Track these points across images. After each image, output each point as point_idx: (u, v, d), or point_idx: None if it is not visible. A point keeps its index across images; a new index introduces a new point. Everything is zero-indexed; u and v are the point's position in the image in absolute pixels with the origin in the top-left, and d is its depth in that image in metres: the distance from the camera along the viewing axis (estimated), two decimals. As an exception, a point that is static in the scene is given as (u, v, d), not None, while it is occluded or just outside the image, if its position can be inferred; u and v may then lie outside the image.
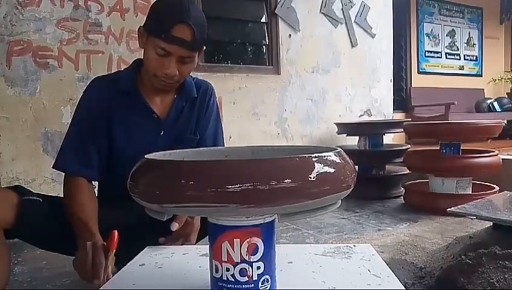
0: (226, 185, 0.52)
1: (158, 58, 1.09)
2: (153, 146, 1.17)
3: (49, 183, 2.38)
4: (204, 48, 1.19)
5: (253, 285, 0.65)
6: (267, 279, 0.66)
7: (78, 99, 1.24)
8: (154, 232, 1.13)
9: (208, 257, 0.68)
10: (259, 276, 0.65)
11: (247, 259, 0.64)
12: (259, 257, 0.64)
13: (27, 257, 1.80)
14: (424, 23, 5.85)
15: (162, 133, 1.24)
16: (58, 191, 2.22)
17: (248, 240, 0.63)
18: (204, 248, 0.94)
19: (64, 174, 1.17)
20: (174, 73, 1.11)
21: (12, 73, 2.32)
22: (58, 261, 1.72)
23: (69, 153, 1.17)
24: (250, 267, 0.64)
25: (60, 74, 2.46)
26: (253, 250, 0.64)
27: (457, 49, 6.23)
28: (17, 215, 1.00)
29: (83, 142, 1.17)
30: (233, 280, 0.64)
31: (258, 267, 0.65)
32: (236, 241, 0.63)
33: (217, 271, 0.65)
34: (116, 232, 0.89)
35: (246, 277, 0.64)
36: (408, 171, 2.80)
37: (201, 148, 1.01)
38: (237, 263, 0.64)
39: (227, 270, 0.64)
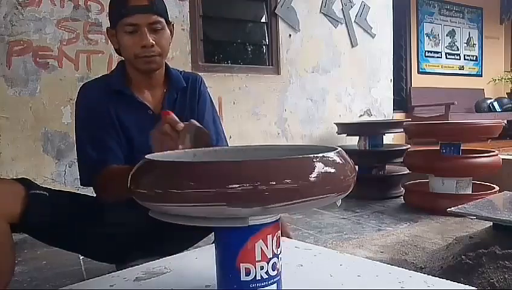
0: (226, 185, 0.52)
1: (130, 37, 1.13)
2: (151, 142, 1.17)
3: (49, 183, 2.38)
4: (173, 23, 1.24)
5: (279, 276, 0.67)
6: (281, 267, 0.69)
7: (75, 110, 1.22)
8: (161, 235, 1.13)
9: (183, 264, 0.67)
10: (281, 266, 0.67)
11: (276, 252, 0.65)
12: (280, 248, 0.67)
13: (27, 257, 1.80)
14: (424, 23, 5.85)
15: None
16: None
17: (276, 233, 0.65)
18: (161, 262, 0.89)
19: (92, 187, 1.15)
20: (149, 43, 1.13)
21: (12, 73, 2.32)
22: (58, 261, 1.72)
23: (88, 158, 1.15)
24: (278, 260, 0.66)
25: (60, 74, 2.46)
26: (278, 242, 0.66)
27: (457, 49, 6.24)
28: (24, 209, 0.98)
29: (97, 140, 1.14)
30: (266, 276, 0.64)
31: (281, 258, 0.67)
32: (269, 237, 0.64)
33: (248, 274, 0.64)
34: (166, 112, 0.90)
35: (276, 270, 0.66)
36: (408, 171, 2.80)
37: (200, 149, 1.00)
38: (270, 259, 0.64)
39: (261, 269, 0.64)
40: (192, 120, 0.88)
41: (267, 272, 0.64)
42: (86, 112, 1.19)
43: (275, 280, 0.66)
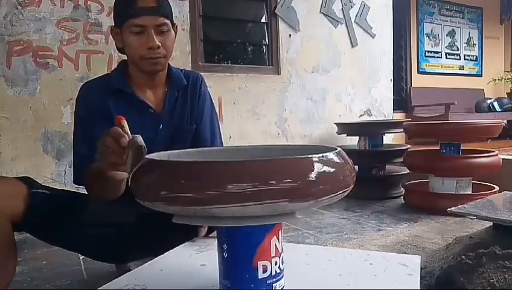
0: (227, 185, 0.52)
1: (136, 38, 1.13)
2: (153, 141, 1.17)
3: (49, 183, 2.38)
4: (176, 25, 1.23)
5: (284, 270, 0.68)
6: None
7: (74, 109, 1.22)
8: (161, 231, 1.13)
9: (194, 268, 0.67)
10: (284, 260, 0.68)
11: (283, 247, 0.67)
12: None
13: (27, 257, 1.80)
14: (424, 23, 5.85)
15: (161, 127, 1.24)
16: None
17: (282, 228, 0.67)
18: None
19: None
20: (156, 44, 1.13)
21: (12, 73, 2.32)
22: (58, 261, 1.72)
23: (78, 156, 1.15)
24: (283, 253, 0.67)
25: (60, 74, 2.46)
26: (282, 236, 0.67)
27: (457, 49, 6.23)
28: (26, 208, 0.98)
29: (91, 140, 1.10)
30: (279, 271, 0.65)
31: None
32: (280, 232, 0.65)
33: (265, 271, 0.63)
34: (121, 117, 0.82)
35: (283, 263, 0.67)
36: (408, 171, 2.80)
37: (200, 149, 1.00)
38: (281, 253, 0.66)
39: (275, 264, 0.64)
40: (137, 135, 0.76)
41: (279, 267, 0.65)
42: (85, 112, 1.19)
43: (283, 273, 0.67)
